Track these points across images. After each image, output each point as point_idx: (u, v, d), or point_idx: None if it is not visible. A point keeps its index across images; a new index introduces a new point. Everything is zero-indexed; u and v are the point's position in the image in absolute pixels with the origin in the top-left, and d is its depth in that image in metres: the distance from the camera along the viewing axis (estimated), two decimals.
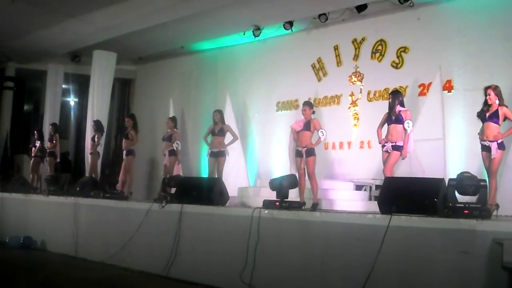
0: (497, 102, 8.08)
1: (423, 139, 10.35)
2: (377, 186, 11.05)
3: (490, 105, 8.13)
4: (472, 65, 10.78)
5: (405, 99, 9.63)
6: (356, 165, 12.11)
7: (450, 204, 6.42)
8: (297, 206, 8.42)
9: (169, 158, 12.16)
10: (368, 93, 12.39)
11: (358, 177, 11.71)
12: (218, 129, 11.47)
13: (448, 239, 5.96)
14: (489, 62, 10.49)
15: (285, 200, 8.29)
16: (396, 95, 8.95)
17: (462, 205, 6.36)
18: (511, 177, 9.37)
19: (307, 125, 9.40)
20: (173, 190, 9.77)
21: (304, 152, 9.25)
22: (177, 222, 8.64)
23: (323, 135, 9.33)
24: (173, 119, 12.88)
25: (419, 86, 11.48)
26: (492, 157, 7.95)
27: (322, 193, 10.40)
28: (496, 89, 8.13)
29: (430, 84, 11.20)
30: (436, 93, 10.96)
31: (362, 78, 12.55)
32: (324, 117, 12.50)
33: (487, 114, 8.09)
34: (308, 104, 9.67)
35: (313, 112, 9.58)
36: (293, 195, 8.97)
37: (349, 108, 12.69)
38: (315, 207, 9.09)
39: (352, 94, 12.68)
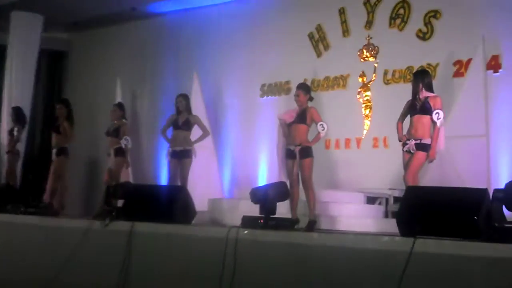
0: None
1: (459, 136, 10.47)
2: (395, 199, 11.17)
3: None
4: None
5: (435, 82, 9.74)
6: (368, 170, 12.19)
7: (496, 224, 6.42)
8: (288, 224, 8.44)
9: (115, 159, 12.19)
10: (385, 73, 12.50)
11: (371, 186, 11.79)
12: (183, 121, 11.56)
13: (493, 271, 5.94)
14: None
15: (272, 216, 8.31)
16: (421, 76, 9.03)
17: None
18: None
19: (302, 116, 9.46)
20: (120, 202, 9.76)
21: (297, 152, 9.32)
22: (125, 246, 8.57)
23: (323, 130, 9.39)
24: (121, 106, 12.92)
25: (455, 64, 11.58)
26: None
27: (322, 208, 10.45)
28: None
29: (469, 61, 11.29)
30: (477, 74, 10.98)
31: (377, 53, 12.65)
32: (325, 105, 12.57)
33: None
34: (303, 87, 9.74)
35: (310, 99, 9.64)
36: (282, 209, 9.01)
37: (359, 93, 12.78)
38: (312, 226, 9.16)
39: (363, 75, 12.78)
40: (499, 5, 11.24)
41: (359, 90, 12.77)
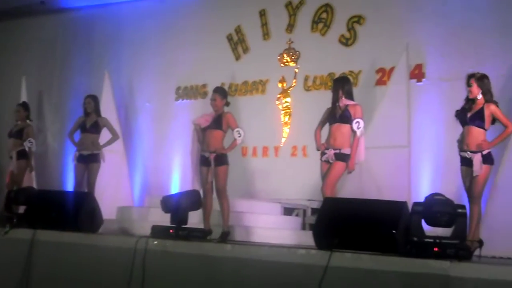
0: (479, 97, 8.26)
1: (380, 146, 10.52)
2: (314, 210, 11.26)
3: (473, 102, 8.32)
4: (453, 45, 11.10)
5: (357, 90, 9.99)
6: (286, 180, 12.26)
7: (415, 239, 6.50)
8: (200, 235, 8.43)
9: (17, 162, 12.02)
10: (306, 79, 12.59)
11: (288, 196, 11.86)
12: (91, 123, 11.41)
13: (411, 286, 6.01)
14: (477, 41, 10.86)
15: (184, 226, 8.31)
16: (341, 83, 9.07)
17: (432, 241, 6.43)
18: (501, 202, 9.64)
19: (218, 121, 9.44)
20: (22, 208, 9.65)
21: (212, 159, 9.29)
22: (25, 256, 8.45)
23: (239, 136, 9.35)
24: (25, 106, 12.73)
25: (377, 72, 11.75)
26: (474, 174, 8.12)
27: (237, 218, 10.44)
28: (481, 79, 8.30)
29: (392, 69, 11.41)
30: (400, 83, 11.08)
31: (298, 58, 12.73)
32: (243, 111, 12.68)
33: (469, 115, 8.29)
34: (219, 91, 9.71)
35: (227, 104, 9.62)
36: (194, 219, 9.02)
37: (279, 99, 12.86)
38: (225, 237, 9.14)
39: (283, 80, 12.85)
40: (423, 13, 11.41)
41: (279, 96, 12.84)
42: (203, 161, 9.37)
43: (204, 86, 13.65)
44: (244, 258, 7.10)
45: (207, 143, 9.35)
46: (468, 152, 8.21)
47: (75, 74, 15.55)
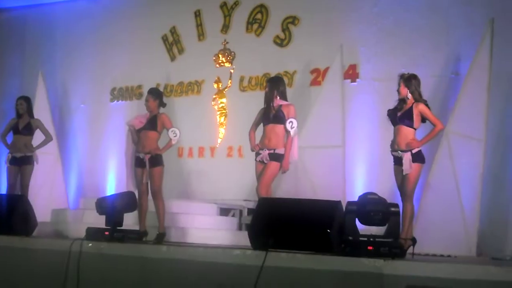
0: (409, 96, 8.36)
1: (315, 146, 10.61)
2: (250, 211, 11.34)
3: (404, 102, 8.44)
4: (386, 46, 11.26)
5: (291, 90, 10.16)
6: (222, 181, 12.30)
7: (350, 238, 6.55)
8: (136, 237, 8.41)
9: None
10: (241, 80, 12.66)
11: (224, 197, 11.89)
12: (24, 125, 11.28)
13: (345, 285, 6.02)
14: (409, 41, 11.03)
15: (119, 228, 8.25)
16: (275, 83, 9.06)
17: (365, 239, 6.48)
18: (433, 200, 9.82)
19: (152, 122, 9.42)
20: None
21: (147, 160, 9.24)
22: None
23: (175, 136, 9.34)
24: None
25: (312, 72, 11.84)
26: (404, 173, 8.20)
27: (172, 219, 10.44)
28: (408, 79, 8.40)
29: (327, 69, 11.49)
30: (335, 83, 11.15)
31: (233, 59, 12.79)
32: (179, 111, 12.72)
33: (399, 114, 8.40)
34: (152, 92, 9.68)
35: (162, 104, 9.59)
36: (130, 221, 9.14)
37: (214, 100, 12.91)
38: (161, 238, 9.12)
39: (218, 81, 12.90)
40: (357, 14, 11.51)
41: (214, 96, 12.88)
42: (138, 162, 9.31)
43: (139, 87, 13.59)
44: (180, 259, 7.05)
45: (142, 144, 9.30)
46: (399, 151, 8.28)
47: (9, 76, 15.32)
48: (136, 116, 9.75)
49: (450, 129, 9.77)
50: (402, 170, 8.21)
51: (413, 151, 8.21)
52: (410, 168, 8.14)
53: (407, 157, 8.18)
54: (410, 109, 8.30)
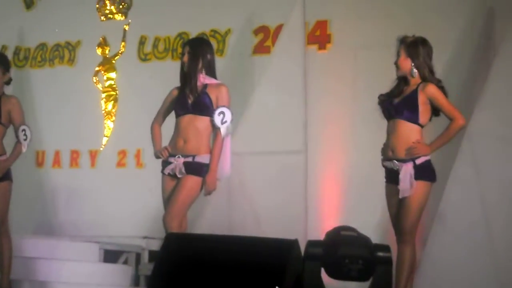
0: (415, 74, 8.01)
1: (259, 152, 10.49)
2: (152, 255, 11.32)
3: (406, 81, 8.12)
4: None
5: (221, 60, 10.55)
6: (109, 206, 12.13)
7: None
8: None
9: None
10: (142, 43, 12.63)
11: (112, 232, 11.78)
12: None
13: None
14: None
15: None
16: (197, 50, 8.70)
17: None
18: (446, 241, 9.36)
19: None
20: None
21: None
22: None
23: (26, 139, 8.99)
24: None
25: (256, 33, 11.83)
26: (402, 196, 7.90)
27: (26, 267, 10.18)
28: (413, 45, 8.09)
29: (279, 28, 11.36)
30: (292, 50, 10.95)
31: (130, 8, 12.77)
32: (37, 91, 12.83)
33: (396, 101, 8.12)
34: None
35: (7, 81, 9.28)
36: None
37: (97, 74, 12.88)
38: None
39: (104, 43, 12.88)
40: None
41: (98, 69, 12.85)
42: None
43: None
44: None
45: None
46: (394, 161, 7.97)
47: None
48: None
49: (475, 126, 9.42)
50: (399, 191, 7.93)
51: (418, 161, 7.90)
52: (412, 188, 7.85)
53: (407, 171, 7.86)
54: (414, 93, 8.00)
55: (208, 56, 8.60)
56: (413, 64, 7.94)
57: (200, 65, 8.49)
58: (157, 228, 9.30)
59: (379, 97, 8.17)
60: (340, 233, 6.52)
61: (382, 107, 8.15)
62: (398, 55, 8.05)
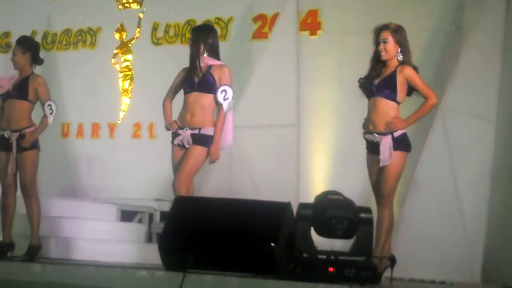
0: (399, 57, 8.23)
1: (257, 125, 10.87)
2: (163, 215, 11.51)
3: (384, 64, 8.33)
4: None
5: (224, 45, 10.37)
6: (125, 172, 12.47)
7: (304, 255, 6.60)
8: None
9: None
10: (155, 29, 12.85)
11: (127, 195, 12.06)
12: None
13: None
14: None
15: None
16: (202, 35, 9.08)
17: (325, 257, 6.57)
18: (420, 204, 9.93)
19: (22, 88, 9.35)
20: None
21: (14, 140, 9.19)
22: None
23: (51, 113, 9.29)
24: None
25: (255, 20, 12.06)
26: (382, 164, 8.16)
27: (52, 226, 10.43)
28: (397, 31, 8.30)
29: (276, 16, 11.66)
30: (286, 36, 11.33)
31: None
32: (63, 72, 12.86)
33: (376, 82, 8.33)
34: (24, 43, 9.63)
35: (38, 61, 9.56)
36: None
37: (115, 56, 13.13)
38: (34, 253, 9.09)
39: (121, 29, 13.10)
40: None
41: (116, 51, 13.07)
42: (1, 144, 9.26)
43: (6, 35, 13.56)
44: (60, 284, 7.05)
45: (6, 118, 9.27)
46: (375, 134, 8.19)
47: None
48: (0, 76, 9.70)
49: (447, 104, 9.86)
50: (379, 160, 8.14)
51: (395, 134, 8.13)
52: (390, 157, 8.08)
53: (386, 142, 8.10)
54: (393, 74, 8.21)
55: (210, 40, 8.87)
56: (400, 49, 8.15)
57: (202, 48, 8.78)
58: (168, 191, 9.79)
59: (359, 81, 8.37)
60: (327, 196, 6.87)
61: (362, 88, 8.34)
62: (382, 41, 8.14)
